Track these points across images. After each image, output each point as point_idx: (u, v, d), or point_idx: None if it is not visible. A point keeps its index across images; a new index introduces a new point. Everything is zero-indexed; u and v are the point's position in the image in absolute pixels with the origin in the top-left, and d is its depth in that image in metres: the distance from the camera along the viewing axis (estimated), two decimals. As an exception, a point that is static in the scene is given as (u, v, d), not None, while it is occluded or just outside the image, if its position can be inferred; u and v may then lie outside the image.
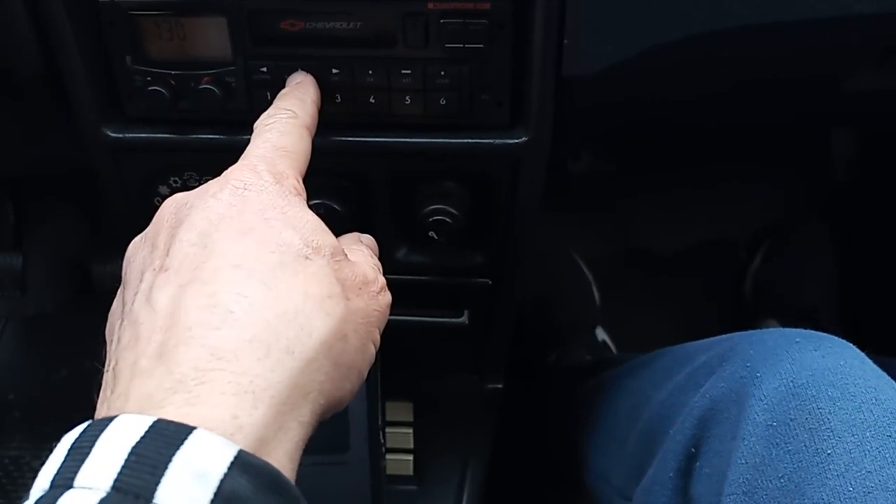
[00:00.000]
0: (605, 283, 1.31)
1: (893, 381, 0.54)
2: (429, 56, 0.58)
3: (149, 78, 0.61)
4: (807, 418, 0.52)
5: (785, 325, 0.62)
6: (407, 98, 0.60)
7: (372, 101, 0.60)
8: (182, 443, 0.34)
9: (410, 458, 0.87)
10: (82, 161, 0.66)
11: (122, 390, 0.38)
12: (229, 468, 0.34)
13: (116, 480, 0.33)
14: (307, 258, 0.43)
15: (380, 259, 0.51)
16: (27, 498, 0.35)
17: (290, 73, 0.59)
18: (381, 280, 0.48)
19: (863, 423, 0.50)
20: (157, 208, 0.46)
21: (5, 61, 0.62)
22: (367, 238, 0.54)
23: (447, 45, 0.58)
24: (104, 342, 0.45)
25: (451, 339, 0.78)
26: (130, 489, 0.33)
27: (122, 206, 0.68)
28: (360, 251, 0.49)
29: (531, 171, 0.64)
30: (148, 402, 0.36)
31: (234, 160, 0.48)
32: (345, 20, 0.58)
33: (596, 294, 1.30)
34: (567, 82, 0.60)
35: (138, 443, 0.34)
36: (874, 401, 0.52)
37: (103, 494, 0.33)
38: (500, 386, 0.90)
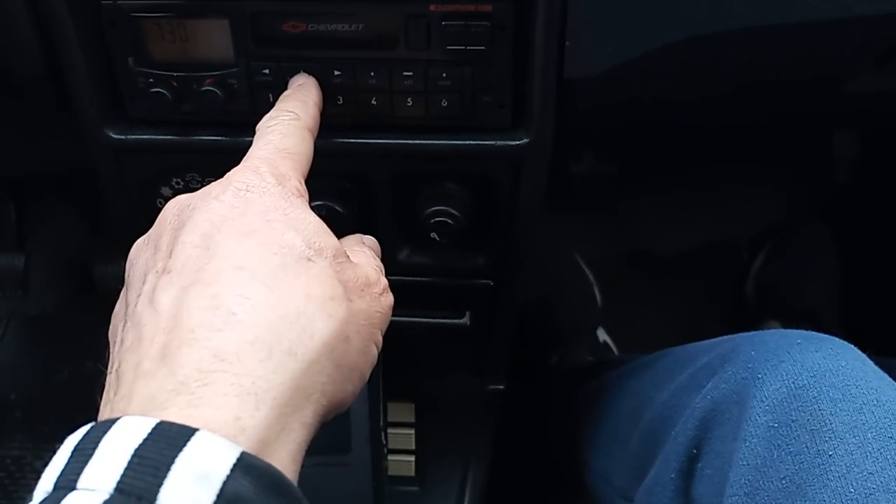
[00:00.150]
0: (607, 284, 1.31)
1: (895, 383, 0.55)
2: (430, 58, 0.59)
3: (151, 80, 0.61)
4: (808, 420, 0.52)
5: (786, 326, 0.62)
6: (409, 100, 0.60)
7: (374, 102, 0.61)
8: (185, 444, 0.34)
9: (412, 458, 0.88)
10: (82, 161, 0.66)
11: (125, 392, 0.38)
12: (232, 470, 0.34)
13: (119, 482, 0.33)
14: (309, 260, 0.43)
15: (382, 260, 0.51)
16: (30, 499, 0.35)
17: (292, 75, 0.59)
18: (384, 281, 0.48)
19: (864, 424, 0.50)
20: (159, 210, 0.46)
21: (6, 61, 0.62)
22: (370, 239, 0.54)
23: (449, 47, 0.58)
24: (107, 344, 0.45)
25: (453, 341, 0.79)
26: (133, 491, 0.33)
27: (124, 207, 0.68)
28: (363, 252, 0.50)
29: (533, 173, 0.64)
30: (151, 404, 0.37)
31: (237, 162, 0.48)
32: (347, 22, 0.58)
33: (598, 295, 1.30)
34: (569, 84, 0.60)
35: (141, 444, 0.34)
36: (875, 402, 0.52)
37: (106, 496, 0.33)
38: (501, 387, 0.90)
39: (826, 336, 0.58)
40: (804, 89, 0.74)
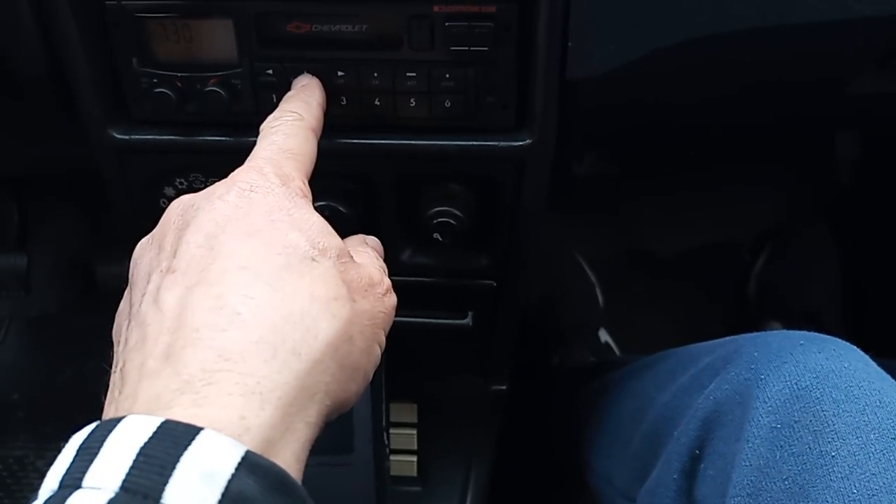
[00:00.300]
0: (609, 285, 1.31)
1: (897, 384, 0.55)
2: (434, 59, 0.59)
3: (155, 80, 0.61)
4: (811, 421, 0.52)
5: (788, 327, 0.62)
6: (412, 100, 0.60)
7: (377, 103, 0.61)
8: (190, 443, 0.34)
9: (414, 459, 0.88)
10: (83, 161, 0.66)
11: (129, 391, 0.38)
12: (237, 469, 0.34)
13: (125, 481, 0.33)
14: (313, 260, 0.43)
15: (385, 261, 0.52)
16: (35, 498, 0.35)
17: (295, 76, 0.59)
18: (387, 282, 0.48)
19: (867, 425, 0.50)
20: (162, 210, 0.46)
21: (9, 61, 0.62)
22: (373, 240, 0.55)
23: (452, 48, 0.58)
24: (111, 343, 0.45)
25: (456, 341, 0.79)
26: (139, 489, 0.33)
27: (127, 207, 0.68)
28: (366, 253, 0.50)
29: (535, 174, 0.64)
30: (156, 403, 0.37)
31: (240, 162, 0.48)
32: (350, 23, 0.58)
33: (600, 296, 1.30)
34: (571, 85, 0.60)
35: (146, 443, 0.34)
36: (878, 403, 0.52)
37: (112, 495, 0.33)
38: (503, 387, 0.90)
39: (829, 337, 0.58)
40: (806, 90, 0.74)
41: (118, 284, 0.47)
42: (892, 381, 0.55)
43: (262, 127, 0.52)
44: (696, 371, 0.65)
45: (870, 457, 0.49)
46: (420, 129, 0.62)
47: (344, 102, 0.60)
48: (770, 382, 0.55)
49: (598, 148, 1.26)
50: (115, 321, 0.46)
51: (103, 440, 0.35)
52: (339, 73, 0.59)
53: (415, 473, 0.88)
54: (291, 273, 0.42)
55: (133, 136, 0.64)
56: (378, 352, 0.46)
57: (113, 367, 0.42)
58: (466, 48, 0.58)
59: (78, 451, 0.35)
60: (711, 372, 0.62)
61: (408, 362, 0.69)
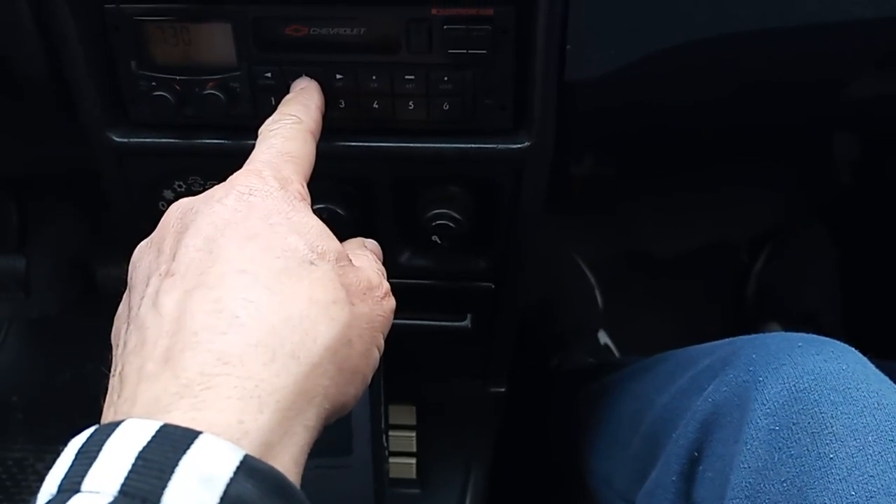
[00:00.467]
0: (607, 286, 1.31)
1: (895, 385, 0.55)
2: (432, 61, 0.59)
3: (154, 83, 0.61)
4: (809, 422, 0.52)
5: (787, 328, 0.62)
6: (410, 103, 0.60)
7: (375, 106, 0.61)
8: (188, 447, 0.34)
9: (413, 461, 0.88)
10: (83, 161, 0.66)
11: (128, 394, 0.38)
12: (235, 473, 0.34)
13: (124, 485, 0.33)
14: (312, 263, 0.43)
15: (383, 264, 0.52)
16: (34, 501, 0.35)
17: (294, 79, 0.59)
18: (386, 285, 0.48)
19: (865, 427, 0.51)
20: (161, 212, 0.46)
21: (9, 62, 0.62)
22: (372, 243, 0.55)
23: (450, 51, 0.58)
24: (110, 346, 0.45)
25: (455, 343, 0.79)
26: (138, 493, 0.33)
27: (127, 210, 0.68)
28: (365, 256, 0.50)
29: (534, 176, 0.64)
30: (154, 407, 0.37)
31: (239, 165, 0.48)
32: (349, 26, 0.58)
33: (599, 298, 1.30)
34: (569, 87, 0.60)
35: (145, 447, 0.34)
36: (876, 405, 0.52)
37: (111, 499, 0.33)
38: (503, 389, 0.90)
39: (827, 339, 0.58)
40: (805, 92, 0.74)
41: (118, 287, 0.47)
42: (891, 382, 0.55)
43: (260, 130, 0.52)
44: (694, 373, 0.65)
45: (868, 458, 0.49)
46: (418, 131, 0.62)
47: (342, 105, 0.60)
48: (768, 384, 0.55)
49: (597, 150, 1.26)
50: (113, 324, 0.46)
51: (102, 444, 0.35)
52: (338, 77, 0.59)
53: (414, 475, 0.88)
54: (290, 276, 0.42)
55: (131, 139, 0.64)
56: (377, 355, 0.46)
57: (111, 370, 0.42)
58: (464, 51, 0.58)
59: (76, 454, 0.35)
60: (710, 374, 0.62)
61: (407, 365, 0.69)
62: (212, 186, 0.46)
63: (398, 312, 0.49)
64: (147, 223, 0.48)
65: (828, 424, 0.51)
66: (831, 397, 0.52)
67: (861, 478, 0.48)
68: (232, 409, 0.37)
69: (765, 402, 0.54)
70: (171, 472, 0.33)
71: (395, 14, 0.57)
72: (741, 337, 0.64)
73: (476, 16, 0.57)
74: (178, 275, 0.41)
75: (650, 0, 0.57)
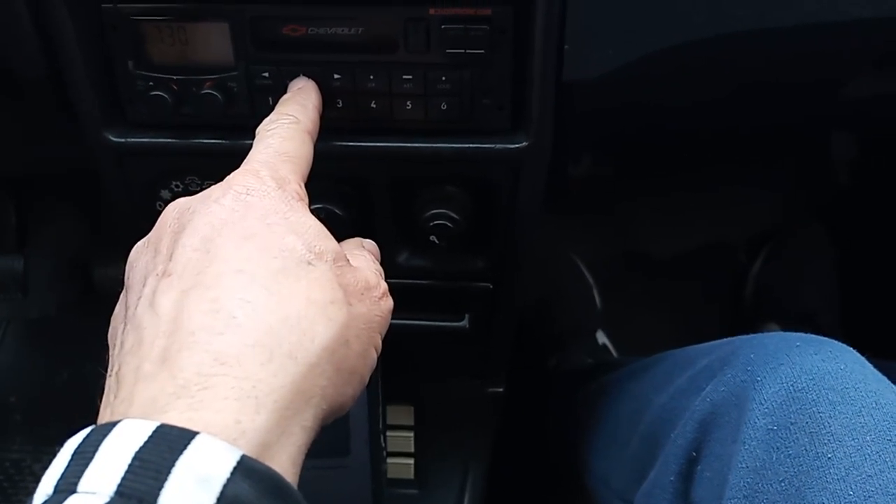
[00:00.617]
0: (605, 286, 1.31)
1: (893, 385, 0.55)
2: (430, 61, 0.59)
3: (151, 83, 0.61)
4: (807, 422, 0.52)
5: (785, 328, 0.62)
6: (408, 103, 0.60)
7: (373, 106, 0.61)
8: (185, 448, 0.34)
9: (411, 461, 0.88)
10: (82, 161, 0.66)
11: (125, 395, 0.38)
12: (232, 473, 0.34)
13: (120, 485, 0.33)
14: (310, 263, 0.43)
15: (381, 263, 0.52)
16: (30, 502, 0.35)
17: (291, 79, 0.59)
18: (383, 285, 0.48)
19: (863, 427, 0.51)
20: (159, 212, 0.46)
21: (7, 61, 0.62)
22: (370, 243, 0.55)
23: (448, 51, 0.58)
24: (106, 346, 0.45)
25: (452, 343, 0.79)
26: (134, 494, 0.33)
27: (124, 209, 0.68)
28: (363, 256, 0.50)
29: (532, 176, 0.64)
30: (151, 407, 0.37)
31: (236, 165, 0.48)
32: (346, 25, 0.58)
33: (597, 298, 1.30)
34: (567, 87, 0.60)
35: (142, 447, 0.34)
36: (874, 405, 0.52)
37: (107, 499, 0.33)
38: (500, 390, 0.90)
39: (825, 339, 0.58)
40: (803, 92, 0.74)
41: (116, 287, 0.47)
42: (889, 382, 0.55)
43: (258, 130, 0.52)
44: (693, 373, 0.65)
45: (866, 458, 0.49)
46: (416, 131, 0.62)
47: (340, 105, 0.60)
48: (766, 384, 0.55)
49: (595, 150, 1.26)
50: (110, 324, 0.46)
51: (98, 444, 0.35)
52: (336, 76, 0.59)
53: (412, 476, 0.88)
54: (288, 277, 0.42)
55: (129, 139, 0.64)
56: (374, 355, 0.46)
57: (108, 370, 0.42)
58: (462, 51, 0.58)
59: (73, 455, 0.35)
60: (708, 374, 0.62)
61: (405, 365, 0.69)
62: (209, 186, 0.46)
63: (396, 312, 0.49)
64: (146, 223, 0.47)
65: (826, 424, 0.51)
66: (829, 397, 0.52)
67: (859, 477, 0.48)
68: (229, 409, 0.36)
69: (763, 401, 0.54)
70: (168, 472, 0.33)
71: (393, 14, 0.57)
72: (739, 337, 0.64)
73: (474, 16, 0.57)
74: (175, 275, 0.41)
75: (648, 0, 0.57)
